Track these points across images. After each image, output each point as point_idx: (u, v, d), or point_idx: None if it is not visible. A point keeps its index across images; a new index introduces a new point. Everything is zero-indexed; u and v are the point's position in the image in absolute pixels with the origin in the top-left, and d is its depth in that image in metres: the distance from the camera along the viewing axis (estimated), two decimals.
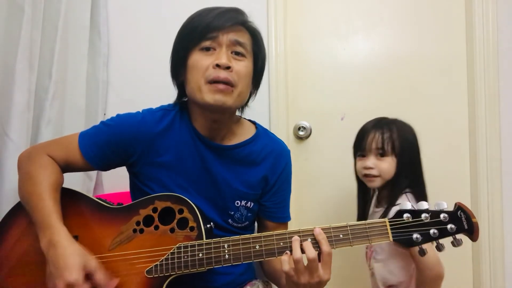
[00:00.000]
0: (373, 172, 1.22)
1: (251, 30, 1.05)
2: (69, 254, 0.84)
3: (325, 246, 0.85)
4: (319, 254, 0.85)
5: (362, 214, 1.32)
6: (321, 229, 0.87)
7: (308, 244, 0.85)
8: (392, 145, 1.21)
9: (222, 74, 0.96)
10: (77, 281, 0.81)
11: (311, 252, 0.84)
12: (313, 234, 0.87)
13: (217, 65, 0.96)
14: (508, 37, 1.66)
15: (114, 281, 0.89)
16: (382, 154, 1.21)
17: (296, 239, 0.86)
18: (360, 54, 1.75)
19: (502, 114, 1.65)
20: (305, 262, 0.85)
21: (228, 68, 0.96)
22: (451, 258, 1.68)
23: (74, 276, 0.81)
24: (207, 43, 0.99)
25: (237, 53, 1.01)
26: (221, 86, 0.96)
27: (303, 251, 0.85)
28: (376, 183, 1.23)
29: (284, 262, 0.86)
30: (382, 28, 1.74)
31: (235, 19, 1.00)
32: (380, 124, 1.26)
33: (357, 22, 1.75)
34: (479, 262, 1.64)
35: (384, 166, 1.21)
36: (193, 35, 0.99)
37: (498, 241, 1.62)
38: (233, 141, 1.10)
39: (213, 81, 0.96)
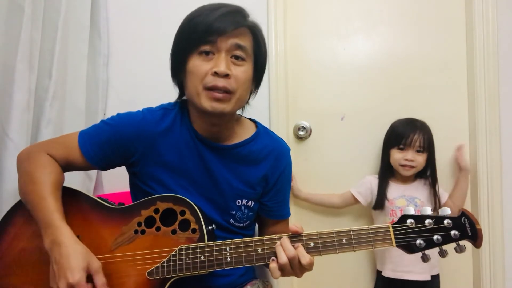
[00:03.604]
0: (412, 163, 1.51)
1: (252, 29, 1.01)
2: (73, 254, 0.83)
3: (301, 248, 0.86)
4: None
5: (381, 201, 1.56)
6: (324, 233, 0.87)
7: (285, 245, 0.86)
8: (428, 144, 1.53)
9: (221, 83, 0.94)
10: (79, 282, 0.81)
11: (291, 252, 0.85)
12: (314, 238, 0.87)
13: (216, 73, 0.94)
14: (508, 37, 1.65)
15: None
16: (420, 150, 1.52)
17: (278, 245, 0.87)
18: (360, 54, 1.74)
19: (502, 114, 1.65)
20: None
21: (226, 75, 0.95)
22: (451, 258, 1.68)
23: (77, 277, 0.81)
24: (206, 47, 0.96)
25: (236, 57, 0.98)
26: (218, 95, 0.95)
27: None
28: (411, 172, 1.53)
29: (274, 270, 0.86)
30: (382, 28, 1.74)
31: (237, 23, 0.96)
32: (419, 125, 1.55)
33: (357, 22, 1.75)
34: (479, 262, 1.64)
35: (421, 160, 1.52)
36: (193, 37, 0.96)
37: (498, 241, 1.62)
38: (233, 141, 1.10)
39: (211, 89, 0.95)
